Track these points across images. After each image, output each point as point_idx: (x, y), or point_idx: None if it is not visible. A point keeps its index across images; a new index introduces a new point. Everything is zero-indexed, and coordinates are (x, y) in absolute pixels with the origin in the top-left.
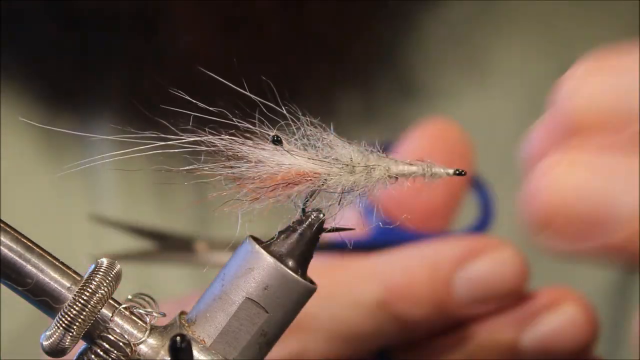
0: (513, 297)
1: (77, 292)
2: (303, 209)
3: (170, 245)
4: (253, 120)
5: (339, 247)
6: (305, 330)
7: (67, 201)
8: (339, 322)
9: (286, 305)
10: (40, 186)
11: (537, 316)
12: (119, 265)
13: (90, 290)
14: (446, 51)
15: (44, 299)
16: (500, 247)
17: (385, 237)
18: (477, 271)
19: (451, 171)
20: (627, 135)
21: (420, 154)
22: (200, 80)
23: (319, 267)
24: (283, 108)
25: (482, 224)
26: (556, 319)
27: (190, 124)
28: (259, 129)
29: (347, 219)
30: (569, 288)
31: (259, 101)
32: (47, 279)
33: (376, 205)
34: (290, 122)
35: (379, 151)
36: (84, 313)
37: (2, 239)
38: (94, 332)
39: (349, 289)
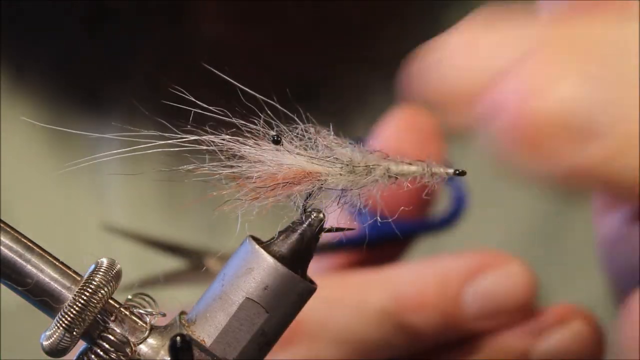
0: (522, 312)
1: (77, 292)
2: (303, 209)
3: (180, 258)
4: (256, 120)
5: (333, 247)
6: (314, 337)
7: (73, 202)
8: (348, 330)
9: (286, 305)
10: (47, 186)
11: (545, 332)
12: (119, 265)
13: (90, 290)
14: None
15: (44, 299)
16: (510, 262)
17: (373, 232)
18: (487, 285)
19: (451, 171)
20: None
21: (391, 143)
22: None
23: (330, 275)
24: (284, 108)
25: (455, 213)
26: (565, 334)
27: (190, 123)
28: (260, 128)
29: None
30: (577, 305)
31: (263, 100)
32: (47, 279)
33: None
34: (294, 122)
35: (379, 150)
36: (84, 313)
37: (2, 239)
38: (94, 332)
39: (359, 298)
